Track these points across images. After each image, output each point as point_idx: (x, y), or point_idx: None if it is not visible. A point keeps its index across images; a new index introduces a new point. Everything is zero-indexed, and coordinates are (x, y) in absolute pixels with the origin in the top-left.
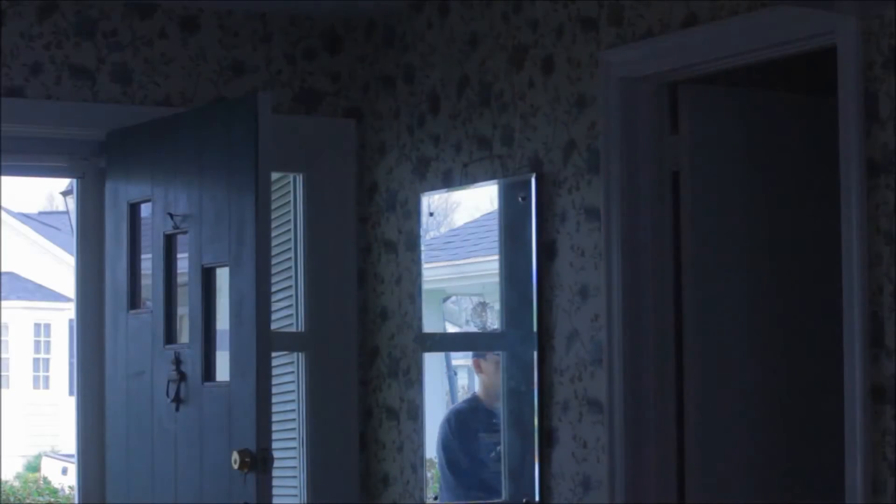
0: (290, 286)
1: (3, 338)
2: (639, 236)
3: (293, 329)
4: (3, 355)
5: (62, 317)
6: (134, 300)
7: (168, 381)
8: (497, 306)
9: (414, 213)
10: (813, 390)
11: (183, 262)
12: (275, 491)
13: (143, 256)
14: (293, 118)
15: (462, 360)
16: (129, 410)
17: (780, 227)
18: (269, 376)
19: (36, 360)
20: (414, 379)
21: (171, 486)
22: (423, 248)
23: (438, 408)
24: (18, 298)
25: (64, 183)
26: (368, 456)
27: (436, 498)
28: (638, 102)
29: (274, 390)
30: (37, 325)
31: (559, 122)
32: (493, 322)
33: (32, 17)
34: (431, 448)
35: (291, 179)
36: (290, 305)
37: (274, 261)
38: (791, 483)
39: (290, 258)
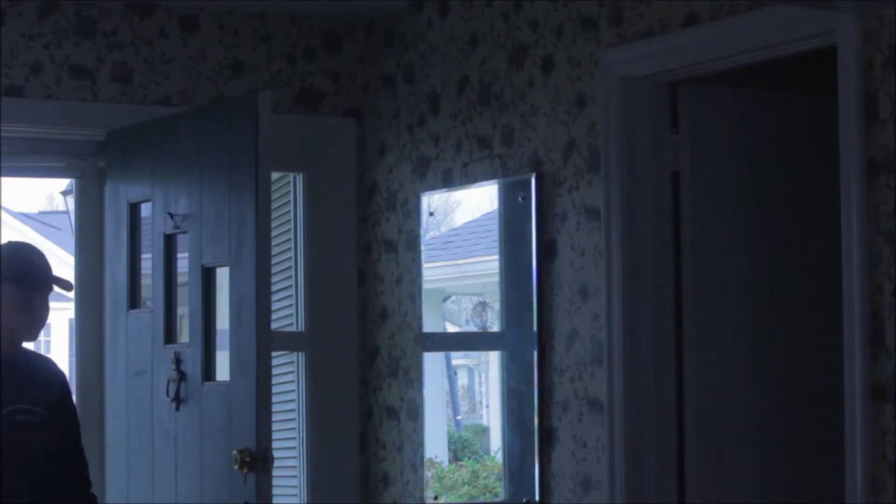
0: (290, 286)
1: None
2: (639, 236)
3: (293, 329)
4: None
5: (62, 317)
6: (134, 300)
7: (168, 381)
8: (497, 306)
9: (414, 212)
10: (813, 390)
11: (183, 262)
12: (275, 491)
13: (143, 256)
14: (293, 118)
15: (462, 359)
16: (129, 410)
17: (780, 227)
18: (269, 376)
19: None
20: (414, 379)
21: (171, 485)
22: (423, 247)
23: (438, 408)
24: None
25: (64, 183)
26: (368, 456)
27: (436, 498)
28: (638, 102)
29: (274, 390)
30: None
31: (559, 122)
32: (493, 322)
33: (32, 17)
34: (431, 448)
35: (291, 179)
36: (290, 305)
37: (274, 261)
38: (791, 483)
39: (290, 258)
